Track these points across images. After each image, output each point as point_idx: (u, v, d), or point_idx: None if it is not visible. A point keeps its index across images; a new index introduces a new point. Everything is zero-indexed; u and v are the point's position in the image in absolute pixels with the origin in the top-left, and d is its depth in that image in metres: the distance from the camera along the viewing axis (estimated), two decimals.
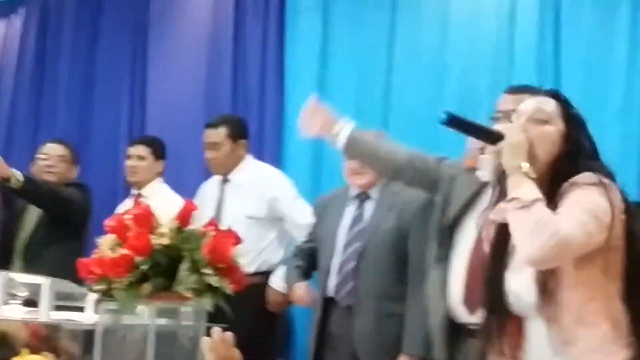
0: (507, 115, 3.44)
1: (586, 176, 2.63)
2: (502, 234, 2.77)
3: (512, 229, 2.61)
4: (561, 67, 5.19)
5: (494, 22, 5.41)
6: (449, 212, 3.73)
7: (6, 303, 3.80)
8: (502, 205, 2.71)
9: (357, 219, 4.54)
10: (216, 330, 2.04)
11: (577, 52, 5.14)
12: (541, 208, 2.54)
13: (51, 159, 5.57)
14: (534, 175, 2.62)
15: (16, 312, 3.82)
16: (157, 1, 6.72)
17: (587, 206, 2.55)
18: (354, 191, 4.58)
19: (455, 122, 2.77)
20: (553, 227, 2.48)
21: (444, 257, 3.70)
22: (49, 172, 5.52)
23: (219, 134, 5.23)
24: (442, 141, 4.64)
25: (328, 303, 4.49)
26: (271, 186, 5.19)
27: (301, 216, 5.02)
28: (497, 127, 2.78)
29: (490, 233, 2.86)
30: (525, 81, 4.86)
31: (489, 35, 5.42)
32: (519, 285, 2.71)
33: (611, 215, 2.56)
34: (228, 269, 3.27)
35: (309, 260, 4.67)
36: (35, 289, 3.77)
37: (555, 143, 2.73)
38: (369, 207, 4.53)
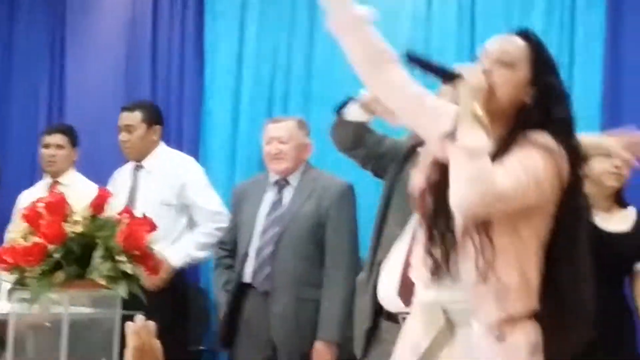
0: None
1: (542, 138, 2.60)
2: (442, 171, 2.72)
3: (452, 171, 2.57)
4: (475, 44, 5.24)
5: (410, 23, 5.49)
6: (394, 205, 3.73)
7: None
8: (448, 144, 2.61)
9: (275, 205, 4.57)
10: (139, 316, 2.04)
11: (490, 28, 5.13)
12: (485, 160, 2.51)
13: None
14: (486, 122, 2.56)
15: None
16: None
17: (531, 168, 2.54)
18: (272, 177, 4.61)
19: (415, 60, 2.73)
20: (490, 182, 2.47)
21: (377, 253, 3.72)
22: None
23: (135, 117, 5.22)
24: None
25: (244, 288, 4.52)
26: (182, 173, 5.16)
27: (208, 204, 5.03)
28: (458, 68, 2.64)
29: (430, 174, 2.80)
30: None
31: (405, 36, 5.46)
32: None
33: (551, 184, 2.57)
34: (143, 256, 3.26)
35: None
36: None
37: (519, 88, 2.67)
38: (287, 193, 4.57)
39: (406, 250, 3.55)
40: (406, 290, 3.49)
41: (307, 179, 4.58)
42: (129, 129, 5.19)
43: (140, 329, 1.97)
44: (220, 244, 4.81)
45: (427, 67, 2.71)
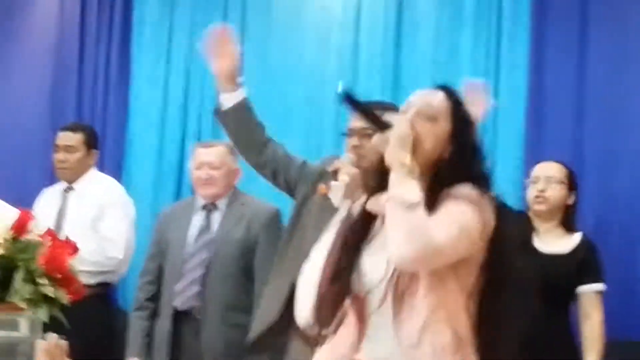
0: (358, 133, 3.56)
1: (465, 190, 2.62)
2: (366, 220, 2.77)
3: (389, 225, 2.57)
4: (402, 74, 5.32)
5: (340, 30, 5.51)
6: (303, 228, 3.75)
7: None
8: (382, 197, 2.64)
9: (203, 230, 4.56)
10: (52, 335, 2.02)
11: (419, 60, 5.28)
12: (421, 213, 2.52)
13: None
14: (416, 172, 2.58)
15: None
16: None
17: (460, 221, 2.55)
18: (200, 202, 4.60)
19: (351, 102, 2.76)
20: (428, 236, 2.48)
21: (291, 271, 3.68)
22: None
23: (77, 138, 5.20)
24: (296, 144, 4.79)
25: (177, 314, 4.48)
26: (106, 197, 5.15)
27: (110, 230, 5.03)
28: (388, 117, 2.70)
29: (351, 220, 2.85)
30: (369, 86, 5.22)
31: (334, 37, 5.52)
32: (375, 267, 2.70)
33: (479, 235, 2.58)
34: (65, 279, 3.22)
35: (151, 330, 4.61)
36: None
37: (440, 142, 2.69)
38: (216, 218, 4.56)
39: (320, 271, 3.58)
40: (321, 313, 3.56)
41: (236, 204, 4.58)
42: (68, 149, 5.17)
43: (53, 347, 1.96)
44: (143, 277, 4.72)
45: (362, 110, 2.76)
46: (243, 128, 3.86)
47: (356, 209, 2.99)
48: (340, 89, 2.74)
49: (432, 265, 2.55)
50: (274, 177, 3.90)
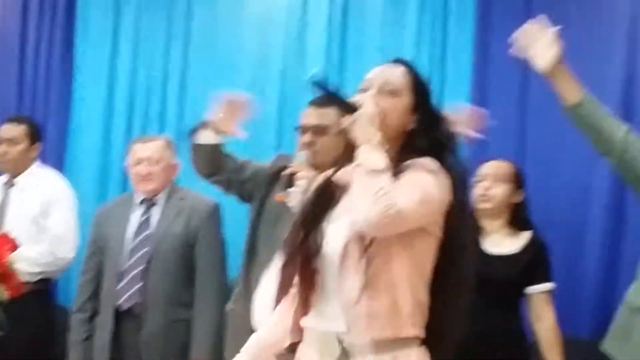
0: (311, 130, 3.60)
1: (427, 161, 2.69)
2: (329, 190, 2.84)
3: (356, 192, 2.63)
4: (347, 65, 5.32)
5: (285, 20, 5.49)
6: (260, 234, 3.78)
7: None
8: (348, 168, 2.73)
9: (143, 225, 4.54)
10: None
11: (363, 51, 5.28)
12: (386, 178, 2.58)
13: None
14: (384, 146, 2.65)
15: None
16: None
17: (422, 189, 2.62)
18: (139, 197, 4.58)
19: (321, 87, 2.80)
20: (392, 200, 2.53)
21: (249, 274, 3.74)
22: None
23: (19, 130, 5.14)
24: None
25: (119, 311, 4.44)
26: (50, 192, 5.09)
27: (57, 227, 4.97)
28: (355, 97, 2.73)
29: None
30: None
31: (280, 33, 5.50)
32: (335, 233, 2.75)
33: (438, 205, 2.66)
34: (4, 275, 3.22)
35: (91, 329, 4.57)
36: None
37: (403, 116, 2.77)
38: (155, 213, 4.54)
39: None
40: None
41: (175, 199, 4.57)
42: (11, 141, 5.11)
43: None
44: (83, 276, 4.68)
45: (332, 98, 2.82)
46: (210, 164, 3.87)
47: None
48: (312, 75, 2.80)
49: (396, 228, 2.60)
50: (227, 189, 3.93)
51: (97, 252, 4.59)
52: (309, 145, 3.56)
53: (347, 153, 2.78)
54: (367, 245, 2.66)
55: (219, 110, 3.80)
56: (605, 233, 4.57)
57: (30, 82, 6.13)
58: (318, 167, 3.42)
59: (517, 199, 4.21)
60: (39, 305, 4.83)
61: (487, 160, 4.30)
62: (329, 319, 2.79)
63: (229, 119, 3.80)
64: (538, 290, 4.12)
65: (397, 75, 2.81)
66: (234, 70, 5.55)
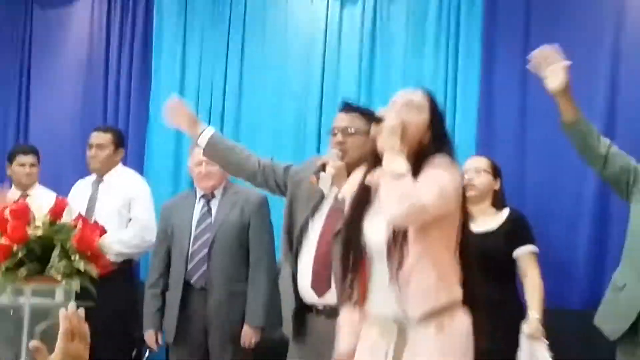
0: (342, 132, 3.57)
1: (442, 159, 2.82)
2: (364, 193, 2.94)
3: (383, 193, 2.76)
4: (376, 83, 5.29)
5: (323, 49, 5.46)
6: (297, 215, 3.71)
7: None
8: (377, 172, 2.84)
9: (204, 216, 4.59)
10: (72, 304, 1.99)
11: (390, 77, 5.24)
12: (408, 181, 2.70)
13: None
14: (404, 153, 2.76)
15: None
16: (38, 29, 6.52)
17: (439, 182, 2.73)
18: (200, 193, 4.63)
19: (354, 108, 3.21)
20: (415, 198, 2.66)
21: (293, 252, 3.68)
22: None
23: (106, 137, 5.20)
24: (286, 144, 4.93)
25: (186, 286, 4.50)
26: (133, 189, 5.15)
27: (142, 216, 5.03)
28: (380, 111, 2.87)
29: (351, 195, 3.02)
30: (348, 93, 5.11)
31: (313, 59, 5.48)
32: (374, 229, 2.86)
33: (454, 193, 2.78)
34: (94, 256, 3.24)
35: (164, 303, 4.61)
36: None
37: (421, 129, 2.86)
38: (214, 206, 4.59)
39: (315, 248, 3.58)
40: (318, 284, 3.56)
41: (230, 193, 4.62)
42: (99, 147, 5.16)
43: (72, 314, 1.93)
44: (155, 258, 4.73)
45: (362, 112, 3.16)
46: (221, 156, 3.91)
47: (342, 194, 3.27)
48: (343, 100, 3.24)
49: (419, 221, 2.73)
50: (265, 185, 3.90)
51: (165, 238, 4.64)
52: (340, 144, 3.55)
53: (371, 153, 2.93)
54: (408, 235, 2.76)
55: (169, 117, 3.88)
56: (595, 222, 4.55)
57: (113, 98, 6.13)
58: (346, 161, 3.49)
59: (496, 185, 4.30)
60: (123, 282, 4.88)
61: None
62: (384, 303, 2.86)
63: (182, 118, 3.86)
64: (522, 252, 4.14)
65: (418, 96, 2.93)
66: (282, 94, 5.56)
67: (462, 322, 2.83)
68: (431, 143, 2.88)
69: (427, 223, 2.76)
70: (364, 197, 2.95)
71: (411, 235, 2.77)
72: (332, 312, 3.46)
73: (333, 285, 3.49)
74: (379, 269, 2.87)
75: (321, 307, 3.55)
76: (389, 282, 2.80)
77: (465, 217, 2.95)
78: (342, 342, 3.04)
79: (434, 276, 2.78)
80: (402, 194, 2.69)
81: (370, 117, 3.08)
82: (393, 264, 2.78)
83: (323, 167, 3.49)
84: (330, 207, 3.57)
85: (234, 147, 3.95)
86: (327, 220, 3.58)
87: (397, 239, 2.78)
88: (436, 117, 2.92)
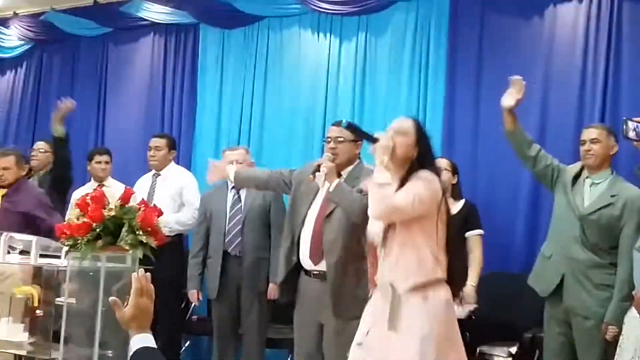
0: (334, 140, 3.62)
1: (424, 173, 2.88)
2: None
3: (370, 196, 2.86)
4: (366, 101, 5.29)
5: (326, 73, 5.47)
6: (298, 206, 3.73)
7: (8, 253, 3.68)
8: (367, 181, 2.98)
9: (236, 201, 4.58)
10: (141, 269, 2.03)
11: (377, 91, 5.26)
12: (389, 188, 2.79)
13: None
14: (390, 167, 2.85)
15: (15, 258, 3.72)
16: (112, 62, 6.55)
17: (415, 191, 2.81)
18: (231, 185, 4.60)
19: (352, 128, 3.09)
20: (390, 201, 2.77)
21: (297, 232, 3.71)
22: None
23: (162, 141, 5.18)
24: (297, 150, 4.93)
25: (224, 255, 4.51)
26: (183, 181, 5.15)
27: (193, 202, 4.99)
28: (376, 134, 2.91)
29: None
30: (345, 109, 5.20)
31: (318, 86, 5.48)
32: (374, 227, 2.98)
33: (431, 198, 2.84)
34: (153, 231, 3.27)
35: (204, 268, 4.63)
36: (28, 243, 3.66)
37: (409, 149, 2.92)
38: (242, 193, 4.57)
39: (312, 227, 3.61)
40: (314, 253, 3.59)
41: None
42: (157, 149, 5.15)
43: (141, 276, 1.97)
44: (196, 235, 4.73)
45: (360, 133, 3.07)
46: (247, 183, 4.15)
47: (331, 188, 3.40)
48: (344, 121, 3.16)
49: (395, 218, 2.84)
50: (279, 188, 4.00)
51: (204, 220, 4.64)
52: (332, 149, 3.59)
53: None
54: (396, 228, 2.86)
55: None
56: (529, 207, 4.57)
57: (168, 113, 6.15)
58: (337, 163, 3.54)
59: (454, 180, 4.33)
60: (175, 251, 4.88)
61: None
62: (384, 275, 2.93)
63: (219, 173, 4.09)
64: (471, 234, 4.22)
65: (408, 123, 2.98)
66: (294, 111, 5.56)
67: (443, 295, 2.86)
68: (417, 160, 2.92)
69: (409, 221, 2.84)
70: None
71: (397, 229, 2.86)
72: (323, 276, 3.53)
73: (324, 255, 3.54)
74: (381, 253, 2.95)
75: (316, 272, 3.57)
76: (382, 261, 2.91)
77: (449, 216, 2.97)
78: None
79: (414, 260, 2.83)
80: (382, 198, 2.78)
81: (355, 130, 3.14)
82: (387, 247, 2.88)
83: (318, 168, 3.52)
84: (324, 197, 3.58)
85: (253, 174, 4.07)
86: (321, 207, 3.59)
87: (386, 232, 2.88)
88: (422, 139, 2.95)
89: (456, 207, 4.23)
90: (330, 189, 3.47)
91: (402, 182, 2.85)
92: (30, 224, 4.24)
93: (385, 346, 2.84)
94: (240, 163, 4.54)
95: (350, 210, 3.45)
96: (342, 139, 3.61)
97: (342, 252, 3.49)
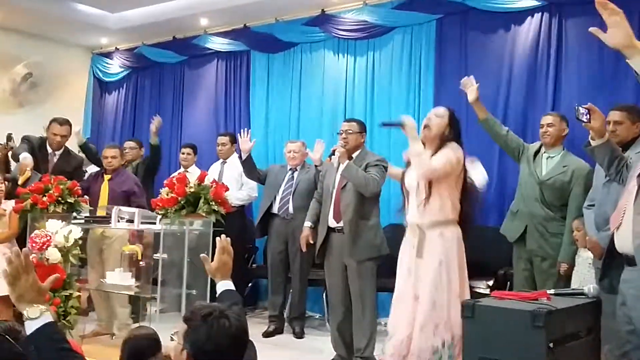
0: (345, 132, 3.62)
1: (453, 144, 2.93)
2: (408, 163, 3.06)
3: (413, 163, 2.92)
4: (375, 104, 5.19)
5: (344, 84, 5.39)
6: (327, 179, 3.73)
7: (118, 221, 3.73)
8: (406, 153, 3.01)
9: (289, 180, 4.61)
10: (223, 235, 2.05)
11: (383, 96, 5.16)
12: (424, 157, 2.86)
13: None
14: (424, 140, 2.93)
15: (123, 225, 3.77)
16: (187, 82, 6.51)
17: (446, 156, 2.87)
18: (289, 167, 4.66)
19: (386, 125, 3.36)
20: (428, 165, 2.84)
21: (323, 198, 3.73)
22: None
23: (226, 139, 5.17)
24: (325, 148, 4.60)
25: (273, 216, 4.56)
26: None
27: (249, 182, 4.94)
28: (402, 119, 2.95)
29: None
30: (359, 111, 5.10)
31: (339, 93, 5.39)
32: (410, 178, 3.01)
33: (457, 162, 2.89)
34: (222, 202, 3.29)
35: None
36: (132, 214, 3.71)
37: (442, 127, 2.96)
38: (296, 174, 4.61)
39: (334, 195, 3.61)
40: (335, 214, 3.61)
41: (305, 168, 4.62)
42: (223, 144, 5.14)
43: (223, 239, 2.00)
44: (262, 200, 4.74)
45: (392, 125, 3.19)
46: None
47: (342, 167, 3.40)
48: (380, 123, 3.41)
49: (432, 177, 2.87)
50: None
51: (267, 190, 4.68)
52: (344, 139, 3.60)
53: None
54: (429, 182, 2.88)
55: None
56: (500, 175, 4.43)
57: (231, 118, 6.08)
58: (347, 149, 3.54)
59: None
60: (239, 217, 4.89)
61: None
62: (412, 216, 2.98)
63: None
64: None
65: (442, 110, 3.03)
66: (321, 115, 5.48)
67: (455, 233, 2.90)
68: (447, 135, 2.94)
69: (440, 178, 2.86)
70: (408, 164, 3.07)
71: (431, 183, 2.88)
72: (342, 230, 3.54)
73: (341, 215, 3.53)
74: (411, 199, 2.98)
75: (339, 228, 3.58)
76: (416, 205, 2.92)
77: (466, 174, 2.99)
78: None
79: (437, 204, 2.87)
80: (422, 164, 2.83)
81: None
82: (419, 194, 2.90)
83: (334, 152, 3.52)
84: (341, 174, 3.58)
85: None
86: (339, 181, 3.60)
87: (421, 185, 2.91)
88: (452, 121, 2.99)
89: None
90: (343, 168, 3.46)
91: (437, 150, 2.89)
92: (127, 200, 4.29)
93: (417, 269, 2.90)
94: (296, 152, 4.55)
95: (357, 183, 3.45)
96: (351, 131, 3.62)
97: (353, 213, 3.49)
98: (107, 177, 4.44)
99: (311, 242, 3.82)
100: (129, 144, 5.50)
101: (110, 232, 4.11)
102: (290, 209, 4.51)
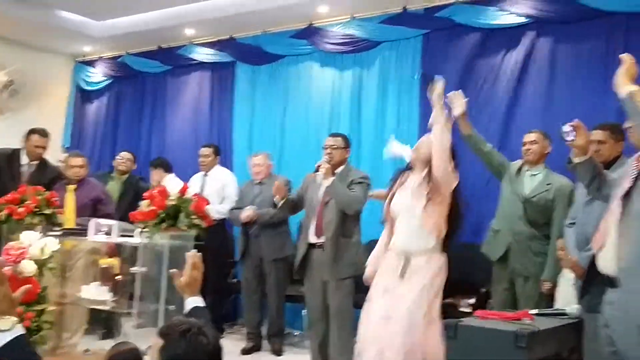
0: (329, 147, 3.59)
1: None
2: (393, 184, 3.06)
3: (434, 131, 2.87)
4: (361, 118, 5.19)
5: (330, 98, 5.38)
6: (309, 199, 3.72)
7: (96, 234, 3.66)
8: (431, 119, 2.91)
9: (259, 193, 4.54)
10: (193, 250, 2.01)
11: (368, 110, 5.15)
12: (448, 131, 2.87)
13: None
14: (413, 163, 2.96)
15: (102, 237, 3.70)
16: (170, 91, 6.47)
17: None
18: (255, 181, 4.63)
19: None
20: (447, 145, 2.83)
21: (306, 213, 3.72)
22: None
23: (209, 150, 5.11)
24: (311, 155, 4.69)
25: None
26: (224, 179, 5.07)
27: (230, 196, 4.91)
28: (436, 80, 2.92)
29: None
30: (344, 124, 5.07)
31: (325, 106, 5.39)
32: (402, 199, 2.93)
33: (455, 178, 2.88)
34: (203, 216, 3.25)
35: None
36: (110, 226, 3.65)
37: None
38: (264, 187, 4.52)
39: (317, 211, 3.61)
40: (317, 230, 3.60)
41: (271, 180, 4.43)
42: (206, 156, 5.09)
43: (193, 255, 1.95)
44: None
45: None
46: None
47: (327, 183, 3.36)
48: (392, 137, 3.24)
49: (445, 172, 2.81)
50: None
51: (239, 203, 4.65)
52: (329, 154, 3.58)
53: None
54: (430, 188, 2.82)
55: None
56: (481, 193, 4.36)
57: (215, 129, 6.04)
58: (332, 164, 3.53)
59: None
60: (220, 231, 4.84)
61: None
62: (401, 240, 2.91)
63: None
64: None
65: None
66: (307, 127, 5.46)
67: (442, 260, 2.88)
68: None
69: (445, 181, 2.81)
70: (393, 185, 3.02)
71: (432, 186, 2.82)
72: (322, 246, 3.53)
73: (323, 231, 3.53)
74: (398, 224, 2.92)
75: (319, 244, 3.57)
76: (407, 224, 2.87)
77: (456, 199, 2.92)
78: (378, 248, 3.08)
79: (425, 231, 2.84)
80: (443, 138, 2.83)
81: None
82: (419, 200, 2.84)
83: (318, 168, 3.51)
84: (324, 190, 3.58)
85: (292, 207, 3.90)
86: (322, 197, 3.59)
87: (416, 203, 2.84)
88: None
89: None
90: (327, 185, 3.45)
91: (430, 169, 2.83)
92: (94, 209, 4.13)
93: (394, 289, 2.87)
94: (261, 166, 4.49)
95: (342, 201, 3.44)
96: (336, 147, 3.62)
97: (335, 230, 3.48)
98: (71, 187, 4.15)
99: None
100: (125, 155, 5.40)
101: (80, 245, 3.98)
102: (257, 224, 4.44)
